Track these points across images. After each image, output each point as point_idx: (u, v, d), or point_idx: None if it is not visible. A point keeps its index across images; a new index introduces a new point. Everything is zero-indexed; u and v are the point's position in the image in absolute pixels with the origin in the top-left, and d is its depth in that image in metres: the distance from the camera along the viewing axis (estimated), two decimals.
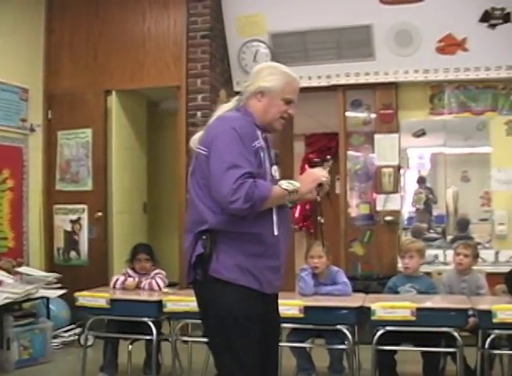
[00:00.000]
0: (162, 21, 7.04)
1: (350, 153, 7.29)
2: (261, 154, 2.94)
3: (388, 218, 6.96)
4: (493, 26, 6.45)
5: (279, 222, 2.98)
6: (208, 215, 2.88)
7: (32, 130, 7.08)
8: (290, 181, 2.91)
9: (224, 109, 3.12)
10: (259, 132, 2.99)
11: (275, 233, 2.96)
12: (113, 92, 7.16)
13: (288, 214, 3.14)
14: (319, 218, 3.52)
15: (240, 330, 2.88)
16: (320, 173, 2.98)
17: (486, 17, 6.45)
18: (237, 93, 7.36)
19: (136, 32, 7.07)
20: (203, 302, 2.99)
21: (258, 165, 2.91)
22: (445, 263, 6.50)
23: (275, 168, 3.07)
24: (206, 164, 2.90)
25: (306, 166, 9.90)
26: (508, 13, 6.39)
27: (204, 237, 2.87)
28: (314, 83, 7.15)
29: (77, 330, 6.37)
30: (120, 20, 7.14)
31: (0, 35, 6.65)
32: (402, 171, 7.17)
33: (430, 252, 6.62)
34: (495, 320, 4.27)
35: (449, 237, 7.21)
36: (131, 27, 7.11)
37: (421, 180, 7.74)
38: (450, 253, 5.70)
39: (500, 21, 6.42)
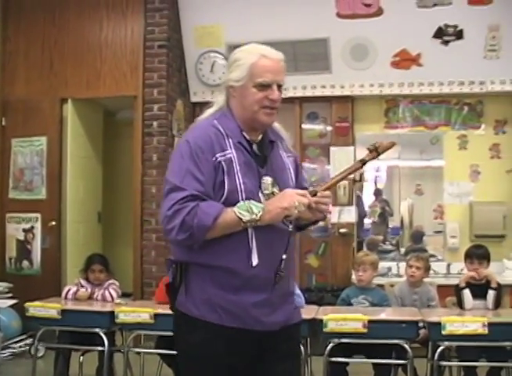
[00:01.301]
0: (119, 30, 7.01)
1: (306, 165, 7.33)
2: (224, 168, 2.42)
3: (343, 230, 7.01)
4: (446, 42, 6.58)
5: (261, 248, 2.43)
6: (173, 246, 2.54)
7: None
8: (255, 204, 2.39)
9: (206, 113, 2.64)
10: (230, 140, 2.48)
11: (254, 263, 2.42)
12: (69, 101, 7.10)
13: (282, 238, 2.50)
14: None
15: (203, 371, 2.49)
16: (295, 197, 2.41)
17: (440, 34, 6.57)
18: (194, 104, 7.49)
19: (93, 40, 7.03)
20: (173, 334, 2.62)
21: (220, 183, 2.42)
22: (399, 275, 6.56)
23: (266, 179, 2.51)
24: None
25: None
26: (461, 30, 6.52)
27: (174, 266, 2.51)
28: None
29: (28, 341, 6.29)
30: (77, 28, 7.08)
31: None
32: (357, 183, 7.23)
33: (384, 264, 6.70)
34: (444, 332, 4.34)
35: (403, 249, 7.28)
36: (88, 36, 7.06)
37: (377, 193, 7.81)
38: (403, 265, 5.75)
39: (453, 38, 6.55)
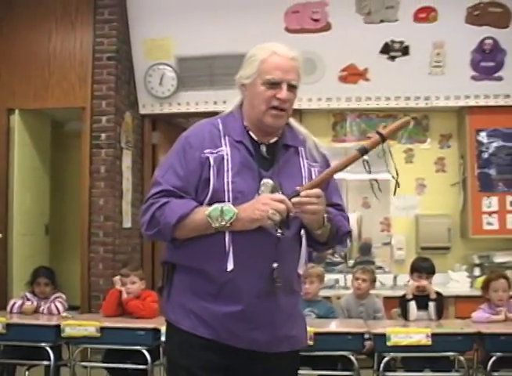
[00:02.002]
0: (68, 41, 6.95)
1: None
2: (212, 165, 2.29)
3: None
4: (393, 58, 6.68)
5: (240, 253, 2.26)
6: (165, 245, 2.45)
7: None
8: (230, 209, 2.22)
9: (226, 111, 2.53)
10: (227, 138, 2.36)
11: (229, 268, 2.25)
12: (16, 111, 7.01)
13: (270, 242, 2.27)
14: None
15: None
16: (269, 204, 2.19)
17: (386, 49, 6.68)
18: (143, 116, 7.46)
19: (42, 51, 6.95)
20: None
21: (206, 180, 2.29)
22: (346, 287, 6.62)
23: (266, 182, 2.30)
24: None
25: None
26: (407, 46, 6.63)
27: (162, 268, 2.44)
28: (220, 108, 7.05)
29: None
30: (25, 39, 7.01)
31: None
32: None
33: (331, 277, 6.76)
34: (389, 343, 4.42)
35: (351, 262, 7.35)
36: (36, 46, 6.98)
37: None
38: (351, 277, 5.81)
39: (399, 53, 6.65)
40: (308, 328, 4.39)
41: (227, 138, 2.37)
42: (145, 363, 4.72)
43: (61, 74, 6.91)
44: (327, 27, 6.76)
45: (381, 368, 4.51)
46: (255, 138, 2.43)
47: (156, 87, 7.13)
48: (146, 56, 7.10)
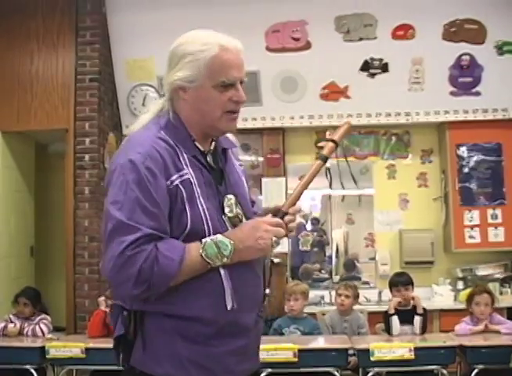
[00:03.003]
0: (50, 63, 6.97)
1: None
2: (184, 194, 1.99)
3: (276, 260, 7.06)
4: (372, 75, 6.75)
5: (236, 287, 2.03)
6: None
7: None
8: (224, 242, 1.98)
9: (142, 120, 2.14)
10: (185, 156, 2.05)
11: (229, 306, 2.01)
12: None
13: (259, 267, 2.16)
14: None
15: None
16: (270, 232, 2.04)
17: (366, 67, 6.75)
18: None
19: (24, 73, 6.97)
20: None
21: (180, 213, 1.98)
22: (331, 304, 6.63)
23: (229, 198, 2.11)
24: None
25: None
26: (386, 64, 6.70)
27: (125, 313, 2.02)
28: None
29: None
30: (6, 61, 7.02)
31: None
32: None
33: (317, 293, 6.80)
34: (372, 358, 4.45)
35: (336, 277, 7.37)
36: (18, 68, 7.00)
37: (314, 222, 7.88)
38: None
39: (379, 71, 6.72)
40: (293, 345, 4.49)
41: (185, 156, 2.05)
42: None
43: (44, 96, 6.93)
44: (307, 46, 6.83)
45: None
46: (201, 148, 2.13)
47: (139, 107, 7.15)
48: (128, 76, 7.13)
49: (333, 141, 2.28)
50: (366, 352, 4.49)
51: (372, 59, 6.73)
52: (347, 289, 5.46)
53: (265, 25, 6.85)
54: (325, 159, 2.27)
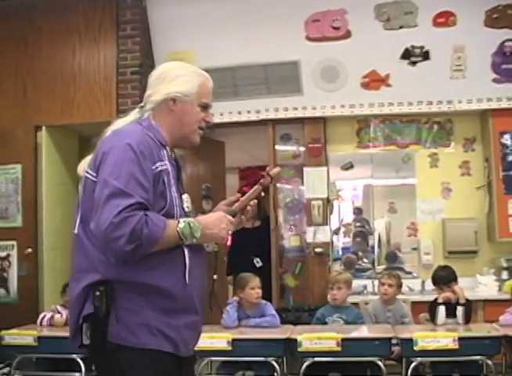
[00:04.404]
0: (92, 57, 7.08)
1: (280, 185, 7.41)
2: (165, 179, 2.36)
3: (318, 249, 7.06)
4: (414, 63, 6.69)
5: (191, 267, 2.38)
6: (100, 261, 2.27)
7: None
8: (195, 225, 2.33)
9: (121, 122, 2.53)
10: (165, 152, 2.43)
11: (188, 281, 2.36)
12: (43, 128, 7.14)
13: (204, 257, 2.53)
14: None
15: None
16: (229, 225, 2.47)
17: (407, 55, 6.68)
18: None
19: (66, 68, 7.08)
20: (105, 373, 2.39)
21: (160, 194, 2.34)
22: (374, 293, 6.62)
23: (186, 197, 2.51)
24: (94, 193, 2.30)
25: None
26: (427, 51, 6.63)
27: (98, 293, 2.25)
28: (244, 117, 7.26)
29: (5, 370, 6.26)
30: (49, 56, 7.14)
31: None
32: (335, 202, 7.30)
33: (359, 282, 6.78)
34: (416, 348, 4.42)
35: (379, 267, 7.34)
36: (61, 63, 7.11)
37: (357, 211, 7.86)
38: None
39: (420, 58, 6.66)
40: (336, 334, 4.49)
41: (164, 151, 2.44)
42: None
43: (86, 90, 7.02)
44: (347, 35, 6.80)
45: (409, 373, 4.51)
46: (169, 152, 2.50)
47: None
48: None
49: (269, 175, 2.73)
50: (410, 342, 4.46)
51: (413, 47, 6.66)
52: (390, 278, 5.44)
53: (304, 15, 6.84)
54: (265, 186, 2.71)
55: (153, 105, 2.50)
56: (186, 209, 2.48)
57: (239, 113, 7.25)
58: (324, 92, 7.02)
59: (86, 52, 7.09)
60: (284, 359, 4.81)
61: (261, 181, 2.71)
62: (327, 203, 7.17)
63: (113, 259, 2.25)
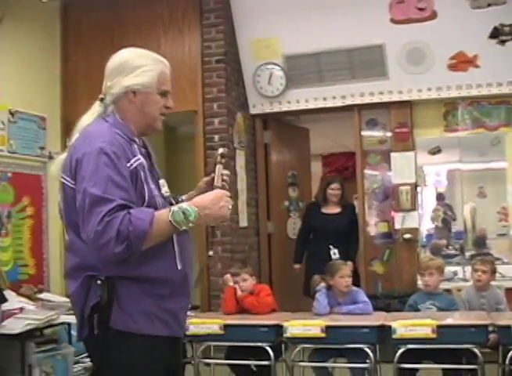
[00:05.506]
0: (177, 47, 7.13)
1: (367, 171, 7.34)
2: (142, 173, 2.42)
3: (407, 235, 6.97)
4: (503, 42, 6.50)
5: (181, 252, 2.49)
6: (96, 260, 2.34)
7: (51, 158, 7.09)
8: (188, 209, 2.36)
9: (86, 120, 2.57)
10: (135, 146, 2.49)
11: (179, 266, 2.46)
12: None
13: (190, 238, 2.61)
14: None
15: None
16: (229, 200, 2.48)
17: (496, 34, 6.50)
18: (253, 116, 7.56)
19: None
20: (105, 359, 2.45)
21: (140, 188, 2.41)
22: (465, 279, 6.51)
23: (162, 182, 2.59)
24: (74, 199, 2.37)
25: None
26: None
27: (99, 282, 2.34)
28: (329, 104, 7.22)
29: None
30: (134, 47, 7.19)
31: (17, 64, 6.73)
32: (419, 188, 7.18)
33: (449, 269, 6.64)
34: None
35: (468, 254, 7.20)
36: None
37: (439, 197, 7.75)
38: (469, 269, 5.72)
39: (510, 37, 6.46)
40: (431, 321, 4.42)
41: (135, 146, 2.48)
42: (267, 359, 4.79)
43: (172, 80, 6.95)
44: (433, 16, 6.67)
45: (507, 362, 4.39)
46: (138, 142, 2.55)
47: (265, 86, 7.23)
48: (253, 56, 7.21)
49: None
50: (508, 329, 4.34)
51: (502, 25, 6.46)
52: (484, 264, 5.31)
53: None
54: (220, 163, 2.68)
55: (114, 98, 2.54)
56: (166, 194, 2.56)
57: (325, 99, 7.21)
58: (410, 76, 6.91)
59: (171, 42, 7.15)
60: (377, 346, 4.76)
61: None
62: (415, 188, 7.06)
63: (104, 269, 2.35)
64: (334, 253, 6.44)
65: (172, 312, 2.47)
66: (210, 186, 2.60)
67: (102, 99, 2.59)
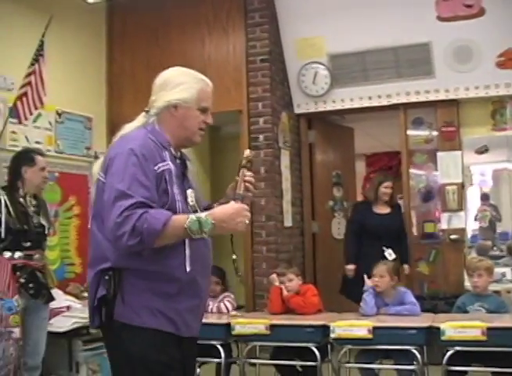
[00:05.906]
0: (222, 47, 7.14)
1: (413, 171, 7.26)
2: (167, 178, 2.59)
3: (453, 236, 6.88)
4: None
5: (193, 256, 2.61)
6: (110, 251, 2.55)
7: (96, 158, 7.14)
8: (205, 220, 2.51)
9: (128, 128, 2.76)
10: (167, 153, 2.66)
11: (188, 269, 2.59)
12: None
13: (208, 244, 2.75)
14: None
15: None
16: (248, 214, 2.61)
17: None
18: (298, 116, 7.52)
19: (196, 59, 7.14)
20: (112, 350, 2.66)
21: (163, 191, 2.57)
22: None
23: (190, 191, 2.73)
24: (103, 193, 2.58)
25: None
26: None
27: (107, 277, 2.54)
28: (374, 103, 7.16)
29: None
30: (179, 47, 7.25)
31: (64, 65, 6.80)
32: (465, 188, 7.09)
33: (496, 270, 6.49)
34: None
35: None
36: (191, 54, 7.19)
37: (485, 197, 7.64)
38: None
39: None
40: (481, 323, 4.34)
41: (166, 153, 2.65)
42: (313, 360, 4.76)
43: (217, 79, 6.95)
44: (481, 13, 6.57)
45: None
46: (174, 153, 2.72)
47: (309, 86, 7.20)
48: (298, 55, 7.19)
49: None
50: None
51: None
52: None
53: None
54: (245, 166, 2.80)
55: (157, 110, 2.74)
56: (190, 203, 2.69)
57: (370, 98, 7.15)
58: (457, 74, 6.82)
59: (215, 41, 7.17)
60: (424, 348, 4.70)
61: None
62: (462, 188, 6.96)
63: (124, 253, 2.50)
64: (390, 254, 6.30)
65: (178, 311, 2.59)
66: (235, 191, 2.73)
67: (147, 111, 2.78)
